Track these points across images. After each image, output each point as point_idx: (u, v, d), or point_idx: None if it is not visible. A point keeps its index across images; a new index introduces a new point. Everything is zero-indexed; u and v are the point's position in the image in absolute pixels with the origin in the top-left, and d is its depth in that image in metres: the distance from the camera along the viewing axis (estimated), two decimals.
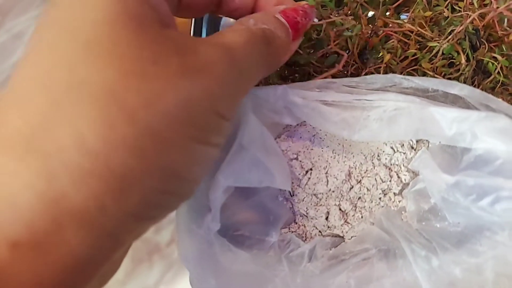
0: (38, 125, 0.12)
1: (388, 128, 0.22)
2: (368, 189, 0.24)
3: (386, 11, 0.32)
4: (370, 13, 0.32)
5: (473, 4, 0.31)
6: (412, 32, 0.30)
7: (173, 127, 0.13)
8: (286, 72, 0.30)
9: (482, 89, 0.29)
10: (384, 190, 0.24)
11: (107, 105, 0.12)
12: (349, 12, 0.30)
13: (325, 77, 0.27)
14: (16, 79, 0.13)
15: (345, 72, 0.29)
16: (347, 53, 0.28)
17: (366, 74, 0.29)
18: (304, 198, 0.25)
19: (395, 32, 0.30)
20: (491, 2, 0.30)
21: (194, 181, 0.15)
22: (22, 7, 0.67)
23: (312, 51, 0.28)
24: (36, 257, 0.11)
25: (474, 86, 0.28)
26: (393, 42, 0.30)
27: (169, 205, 0.15)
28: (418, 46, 0.30)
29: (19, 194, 0.11)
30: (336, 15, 0.29)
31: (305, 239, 0.25)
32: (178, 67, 0.14)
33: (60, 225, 0.12)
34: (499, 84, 0.29)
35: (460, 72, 0.28)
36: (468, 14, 0.29)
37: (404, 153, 0.25)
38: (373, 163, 0.24)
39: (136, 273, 0.37)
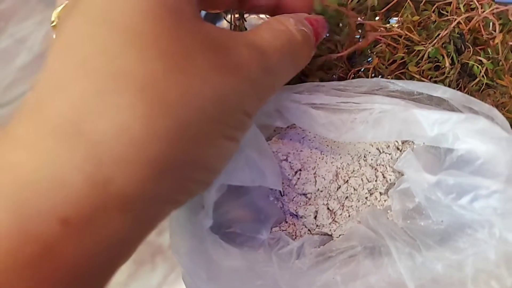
0: (83, 111, 0.13)
1: (373, 130, 0.23)
2: (355, 189, 0.25)
3: (375, 16, 0.33)
4: (359, 19, 0.32)
5: (459, 8, 0.32)
6: (400, 36, 0.31)
7: (206, 123, 0.14)
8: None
9: (467, 92, 0.30)
10: (370, 190, 0.25)
11: (149, 97, 0.13)
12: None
13: (313, 80, 0.28)
14: (54, 65, 0.14)
15: (334, 76, 0.30)
16: (337, 53, 0.29)
17: (354, 78, 0.30)
18: (294, 197, 0.26)
19: (384, 37, 0.31)
20: (477, 6, 0.31)
21: (218, 171, 0.16)
22: (26, 13, 0.68)
23: None
24: (84, 234, 0.12)
25: (460, 89, 0.29)
26: (381, 46, 0.31)
27: (195, 191, 0.16)
28: (406, 50, 0.31)
29: (69, 176, 0.12)
30: None
31: (295, 238, 0.25)
32: (214, 64, 0.14)
33: (106, 207, 0.12)
34: (484, 86, 0.30)
35: (445, 75, 0.28)
36: (454, 18, 0.30)
37: (389, 154, 0.25)
38: (359, 163, 0.25)
39: (139, 274, 0.38)
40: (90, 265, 0.13)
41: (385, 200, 0.25)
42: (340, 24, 0.29)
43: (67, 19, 0.14)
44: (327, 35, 0.29)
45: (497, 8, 0.30)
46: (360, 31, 0.32)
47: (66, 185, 0.12)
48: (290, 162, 0.25)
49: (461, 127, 0.22)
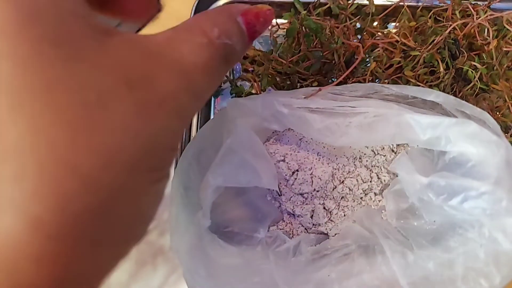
0: None
1: (367, 134, 0.24)
2: (350, 189, 0.26)
3: (373, 22, 0.34)
4: (358, 24, 0.33)
5: (455, 14, 0.33)
6: (397, 41, 0.32)
7: (136, 178, 0.12)
8: (277, 80, 0.32)
9: (462, 96, 0.31)
10: (365, 190, 0.26)
11: (59, 175, 0.10)
12: (336, 24, 0.31)
13: (311, 84, 0.29)
14: None
15: (332, 80, 0.30)
16: (334, 63, 0.30)
17: (353, 82, 0.31)
18: (291, 197, 0.26)
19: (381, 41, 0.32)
20: (472, 13, 0.32)
21: (153, 217, 0.14)
22: None
23: (298, 62, 0.30)
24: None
25: (454, 93, 0.30)
26: (379, 51, 0.32)
27: (130, 250, 0.13)
28: (403, 55, 0.32)
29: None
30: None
31: (292, 236, 0.26)
32: (134, 106, 0.11)
33: None
34: (479, 90, 0.30)
35: (440, 79, 0.29)
36: (450, 24, 0.31)
37: (384, 156, 0.26)
38: (355, 164, 0.26)
39: (140, 275, 0.38)
40: None
41: (379, 201, 0.26)
42: (334, 36, 0.30)
43: None
44: (324, 42, 0.30)
45: (492, 14, 0.31)
46: (359, 36, 0.33)
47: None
48: (287, 163, 0.26)
49: (453, 131, 0.23)
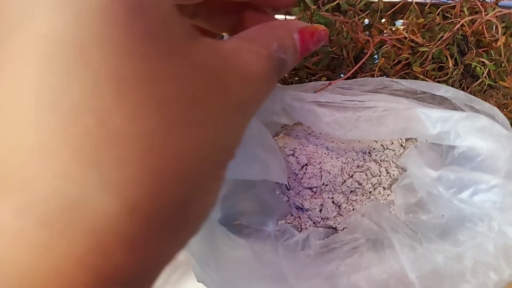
0: (74, 193, 0.10)
1: (376, 128, 0.24)
2: (359, 183, 0.26)
3: (382, 18, 0.34)
4: (366, 21, 0.33)
5: (463, 11, 0.33)
6: (405, 38, 0.32)
7: (211, 173, 0.13)
8: (285, 75, 0.32)
9: (470, 92, 0.31)
10: (374, 184, 0.26)
11: (155, 164, 0.11)
12: (346, 20, 0.31)
13: (320, 79, 0.29)
14: (20, 127, 0.10)
15: (341, 76, 0.31)
16: (342, 58, 0.30)
17: (362, 77, 0.31)
18: (300, 191, 0.26)
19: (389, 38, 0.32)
20: (481, 9, 0.32)
21: (211, 211, 0.15)
22: None
23: (306, 57, 0.30)
24: None
25: (462, 89, 0.30)
26: (387, 47, 0.32)
27: (189, 240, 0.14)
28: (411, 51, 0.32)
29: (71, 273, 0.11)
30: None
31: (300, 230, 0.26)
32: (215, 106, 0.13)
33: None
34: (487, 87, 0.30)
35: (449, 75, 0.29)
36: (458, 21, 0.31)
37: (393, 150, 0.26)
38: (364, 159, 0.26)
39: None
40: None
41: (388, 195, 0.26)
42: (343, 31, 0.30)
43: (16, 35, 0.10)
44: (332, 38, 0.30)
45: (500, 11, 0.31)
46: (367, 32, 0.33)
47: (68, 285, 0.10)
48: (296, 157, 0.26)
49: (463, 125, 0.23)
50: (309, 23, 0.31)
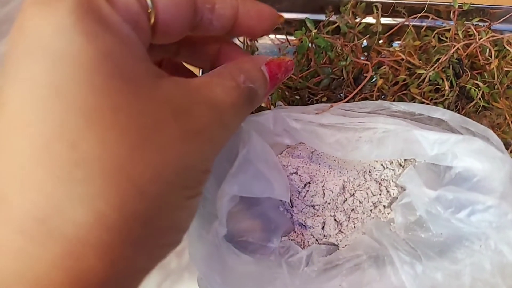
0: (48, 206, 0.12)
1: (377, 149, 0.25)
2: (360, 202, 0.27)
3: (379, 40, 0.35)
4: (365, 42, 0.35)
5: (458, 35, 0.34)
6: (402, 59, 0.33)
7: (173, 193, 0.14)
8: (287, 94, 0.33)
9: (465, 113, 0.32)
10: (375, 203, 0.27)
11: (118, 183, 0.12)
12: (344, 42, 0.33)
13: (321, 99, 0.30)
14: (6, 154, 0.12)
15: (340, 95, 0.32)
16: (342, 79, 0.31)
17: (361, 97, 0.32)
18: (303, 209, 0.27)
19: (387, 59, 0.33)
20: (475, 33, 0.34)
21: (187, 228, 0.16)
22: None
23: (307, 78, 0.31)
24: None
25: (458, 110, 0.31)
26: (385, 68, 0.33)
27: (166, 254, 0.16)
28: (408, 72, 0.33)
29: (48, 275, 0.12)
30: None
31: (303, 247, 0.27)
32: (178, 132, 0.14)
33: None
34: (481, 108, 0.32)
35: (445, 97, 0.30)
36: (453, 44, 0.32)
37: (393, 170, 0.27)
38: (365, 178, 0.27)
39: None
40: None
41: (388, 213, 0.27)
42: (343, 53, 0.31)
43: (9, 82, 0.13)
44: (333, 59, 0.32)
45: (493, 36, 0.33)
46: (365, 53, 0.35)
47: (45, 284, 0.12)
48: (299, 175, 0.27)
49: (459, 147, 0.24)
50: (311, 46, 0.32)
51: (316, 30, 0.32)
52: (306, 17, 0.32)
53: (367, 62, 0.31)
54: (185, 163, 0.14)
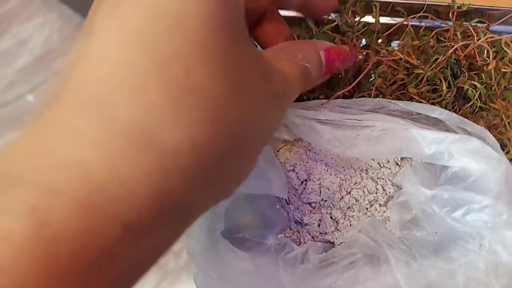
0: (156, 118, 0.12)
1: (375, 146, 0.25)
2: (356, 200, 0.27)
3: (378, 39, 0.35)
4: (364, 41, 0.35)
5: (456, 35, 0.34)
6: (400, 59, 0.33)
7: (253, 143, 0.16)
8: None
9: (462, 114, 0.32)
10: (371, 201, 0.27)
11: (217, 116, 0.13)
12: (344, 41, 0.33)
13: (319, 96, 0.30)
14: (117, 57, 0.13)
15: (339, 94, 0.32)
16: (340, 77, 0.31)
17: (359, 96, 0.32)
18: (299, 206, 0.27)
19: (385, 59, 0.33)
20: (473, 34, 0.34)
21: (241, 183, 0.17)
22: (27, 15, 0.69)
23: None
24: (140, 241, 0.13)
25: (455, 111, 0.31)
26: (383, 67, 0.33)
27: (221, 200, 0.17)
28: (406, 72, 0.33)
29: (137, 183, 0.12)
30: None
31: (299, 244, 0.27)
32: (264, 90, 0.16)
33: (165, 217, 0.13)
34: (478, 109, 0.32)
35: (442, 97, 0.30)
36: (451, 44, 0.33)
37: (389, 168, 0.27)
38: (361, 176, 0.27)
39: None
40: (136, 271, 0.13)
41: (384, 211, 0.27)
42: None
43: (119, 8, 0.13)
44: None
45: (491, 37, 0.33)
46: (364, 53, 0.35)
47: (133, 192, 0.12)
48: (296, 173, 0.27)
49: (456, 147, 0.24)
50: None
51: (318, 29, 0.32)
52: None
53: (368, 51, 0.31)
54: (263, 120, 0.16)
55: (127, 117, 0.12)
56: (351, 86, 0.29)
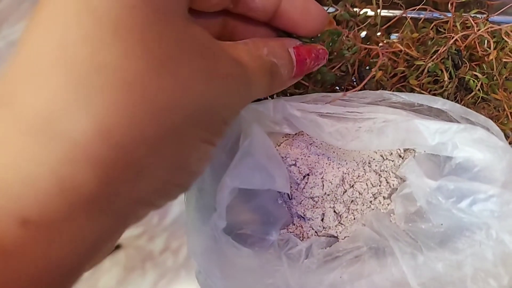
0: (58, 108, 0.12)
1: (377, 138, 0.24)
2: (360, 193, 0.26)
3: (377, 32, 0.35)
4: (363, 34, 0.34)
5: (456, 26, 0.34)
6: (400, 51, 0.33)
7: (190, 128, 0.14)
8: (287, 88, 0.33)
9: (464, 104, 0.32)
10: (375, 194, 0.27)
11: (135, 98, 0.12)
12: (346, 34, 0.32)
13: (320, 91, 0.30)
14: (27, 52, 0.12)
15: (342, 88, 0.31)
16: (345, 74, 0.31)
17: (360, 89, 0.32)
18: (302, 201, 0.27)
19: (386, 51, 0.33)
20: (473, 25, 0.33)
21: (198, 174, 0.16)
22: (19, 15, 0.69)
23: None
24: (46, 237, 0.12)
25: (457, 101, 0.31)
26: (383, 60, 0.33)
27: (173, 195, 0.16)
28: (406, 64, 0.33)
29: (40, 177, 0.11)
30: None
31: (302, 239, 0.27)
32: (203, 72, 0.14)
33: (75, 210, 0.12)
34: (480, 99, 0.32)
35: (444, 88, 0.30)
36: (451, 35, 0.32)
37: (392, 161, 0.27)
38: (364, 169, 0.27)
39: (129, 281, 0.38)
40: (54, 269, 0.12)
41: (388, 204, 0.27)
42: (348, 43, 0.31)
43: (43, 3, 0.13)
44: (335, 53, 0.31)
45: (491, 27, 0.32)
46: (365, 46, 0.34)
47: (36, 187, 0.11)
48: (298, 167, 0.27)
49: (460, 137, 0.24)
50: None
51: None
52: None
53: (375, 47, 0.30)
54: (205, 102, 0.14)
55: (33, 109, 0.12)
56: (360, 86, 0.29)
